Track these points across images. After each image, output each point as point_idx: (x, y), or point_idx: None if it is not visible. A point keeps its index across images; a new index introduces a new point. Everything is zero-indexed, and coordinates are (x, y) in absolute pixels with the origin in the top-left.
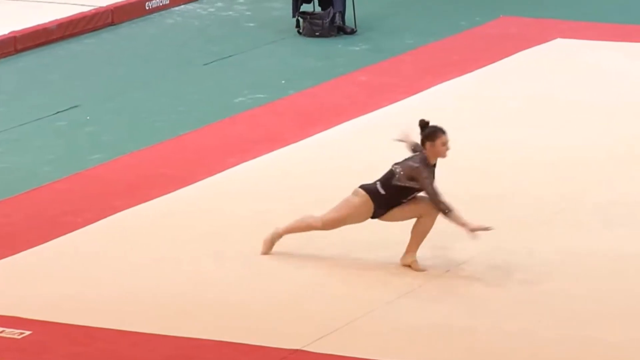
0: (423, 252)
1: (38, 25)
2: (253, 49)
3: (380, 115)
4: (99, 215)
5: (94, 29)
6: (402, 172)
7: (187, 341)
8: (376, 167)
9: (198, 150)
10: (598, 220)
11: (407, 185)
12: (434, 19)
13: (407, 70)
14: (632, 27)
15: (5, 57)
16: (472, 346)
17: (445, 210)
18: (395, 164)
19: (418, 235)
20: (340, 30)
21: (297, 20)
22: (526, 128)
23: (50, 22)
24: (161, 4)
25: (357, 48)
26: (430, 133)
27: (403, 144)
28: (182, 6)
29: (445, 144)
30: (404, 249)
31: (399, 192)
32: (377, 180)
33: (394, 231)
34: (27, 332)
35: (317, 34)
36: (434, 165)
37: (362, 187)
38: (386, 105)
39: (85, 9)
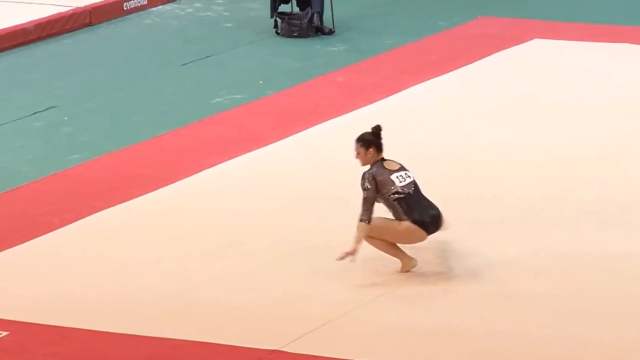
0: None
1: (16, 25)
2: (231, 49)
3: (359, 116)
4: (78, 215)
5: (72, 30)
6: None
7: (164, 341)
8: (356, 168)
9: (176, 151)
10: (582, 219)
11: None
12: (412, 19)
13: (386, 70)
14: (609, 27)
15: None
16: (452, 346)
17: (362, 218)
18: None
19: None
20: (318, 30)
21: (275, 21)
22: (505, 128)
23: (28, 23)
24: (139, 5)
25: (336, 48)
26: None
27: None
28: (160, 6)
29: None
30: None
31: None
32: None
33: None
34: (4, 333)
35: (295, 34)
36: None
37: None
38: (365, 106)
39: (63, 10)
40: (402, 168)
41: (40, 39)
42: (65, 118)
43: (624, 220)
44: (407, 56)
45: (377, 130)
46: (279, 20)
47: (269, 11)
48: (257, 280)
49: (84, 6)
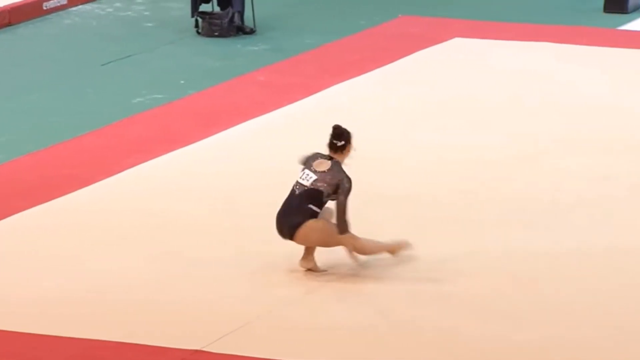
0: (326, 253)
1: None
2: (152, 49)
3: (280, 115)
4: None
5: None
6: (327, 187)
7: (87, 342)
8: (277, 168)
9: (97, 151)
10: (506, 219)
11: (332, 198)
12: (333, 19)
13: (307, 70)
14: (529, 26)
15: None
16: (370, 346)
17: (342, 230)
18: (314, 181)
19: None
20: (239, 30)
21: (196, 20)
22: (426, 128)
23: None
24: (59, 4)
25: (257, 48)
26: (349, 136)
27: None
28: (80, 6)
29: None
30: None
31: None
32: (307, 203)
33: None
34: None
35: (216, 34)
36: None
37: (306, 217)
38: (286, 105)
39: None
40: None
41: None
42: None
43: (549, 219)
44: (328, 55)
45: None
46: (199, 20)
47: (189, 11)
48: (179, 280)
49: (3, 6)
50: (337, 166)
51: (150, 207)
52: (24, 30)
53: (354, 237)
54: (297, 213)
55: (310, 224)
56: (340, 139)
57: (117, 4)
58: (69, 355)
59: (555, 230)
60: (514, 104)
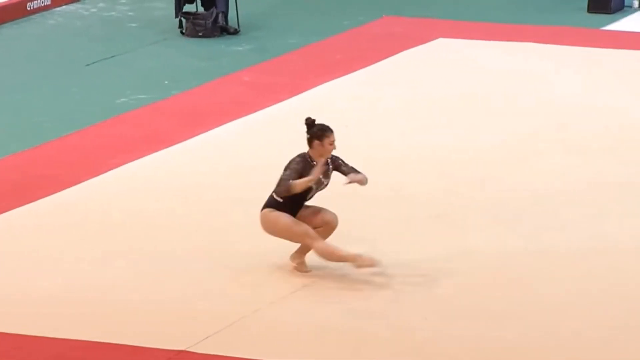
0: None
1: None
2: (136, 49)
3: (265, 115)
4: None
5: None
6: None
7: (71, 342)
8: (262, 167)
9: (82, 151)
10: (487, 217)
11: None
12: (317, 19)
13: (291, 70)
14: (512, 27)
15: None
16: (356, 346)
17: (280, 192)
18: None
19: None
20: (223, 30)
21: (180, 21)
22: (410, 127)
23: None
24: (43, 5)
25: (241, 48)
26: (320, 132)
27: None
28: (64, 6)
29: (332, 142)
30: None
31: (297, 198)
32: (272, 192)
33: None
34: None
35: (200, 34)
36: (319, 163)
37: (265, 205)
38: (270, 105)
39: None
40: None
41: None
42: None
43: (540, 218)
44: (313, 55)
45: (310, 120)
46: (183, 20)
47: (173, 11)
48: (163, 279)
49: None
50: (297, 157)
51: (135, 207)
52: (8, 31)
53: (315, 238)
54: (265, 201)
55: (264, 212)
56: (308, 130)
57: (101, 5)
58: (52, 355)
59: (547, 230)
60: (499, 104)
